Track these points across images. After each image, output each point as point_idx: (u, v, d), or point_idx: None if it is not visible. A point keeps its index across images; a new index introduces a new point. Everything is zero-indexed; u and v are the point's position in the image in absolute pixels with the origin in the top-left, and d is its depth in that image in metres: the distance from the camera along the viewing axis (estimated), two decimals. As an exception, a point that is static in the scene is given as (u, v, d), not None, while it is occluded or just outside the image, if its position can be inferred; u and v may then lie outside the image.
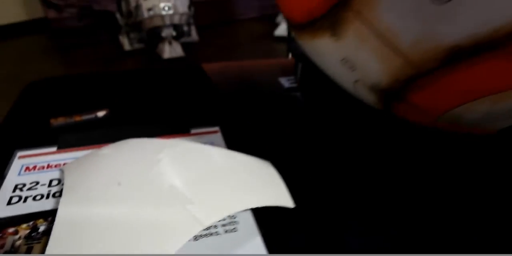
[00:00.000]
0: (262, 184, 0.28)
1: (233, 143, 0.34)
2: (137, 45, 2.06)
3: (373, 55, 0.19)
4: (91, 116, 0.39)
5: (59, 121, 0.38)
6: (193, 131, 0.36)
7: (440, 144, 0.30)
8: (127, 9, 1.95)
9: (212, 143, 0.34)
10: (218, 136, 0.35)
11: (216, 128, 0.36)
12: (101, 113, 0.39)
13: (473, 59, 0.16)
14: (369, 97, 0.24)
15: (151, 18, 1.83)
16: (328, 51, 0.22)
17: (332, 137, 0.34)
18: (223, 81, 0.47)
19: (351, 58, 0.21)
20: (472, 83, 0.17)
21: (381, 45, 0.18)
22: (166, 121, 0.38)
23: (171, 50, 1.91)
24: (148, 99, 0.42)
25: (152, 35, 1.89)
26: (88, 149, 0.33)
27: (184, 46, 2.07)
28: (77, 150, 0.33)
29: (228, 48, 2.08)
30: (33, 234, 0.24)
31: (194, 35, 2.11)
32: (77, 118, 0.38)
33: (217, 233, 0.25)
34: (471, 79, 0.17)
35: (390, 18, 0.17)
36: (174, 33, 1.90)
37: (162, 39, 1.91)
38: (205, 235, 0.24)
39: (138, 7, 1.84)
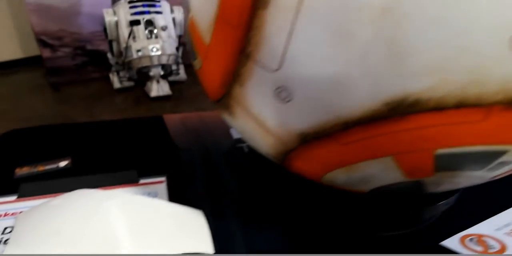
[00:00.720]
0: (188, 232, 0.32)
1: (176, 193, 0.38)
2: (126, 83, 2.14)
3: (255, 133, 0.24)
4: (53, 166, 0.43)
5: (24, 170, 0.42)
6: (141, 181, 0.40)
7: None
8: (117, 49, 2.05)
9: (155, 193, 0.38)
10: (163, 186, 0.40)
11: (163, 178, 0.41)
12: (63, 163, 0.44)
13: (316, 142, 0.21)
14: (271, 159, 0.29)
15: (140, 58, 1.92)
16: (231, 124, 0.27)
17: (269, 187, 0.39)
18: (180, 132, 0.52)
19: (244, 132, 0.26)
20: (322, 159, 0.22)
21: (257, 126, 0.23)
22: (118, 172, 0.42)
23: (158, 89, 1.99)
24: (108, 149, 0.47)
25: (140, 74, 1.98)
26: (46, 198, 0.37)
27: (172, 84, 2.14)
28: (35, 199, 0.37)
29: (215, 86, 2.16)
30: (-21, 278, 0.27)
31: (183, 74, 2.20)
32: (40, 168, 0.43)
33: (143, 275, 0.29)
34: (320, 156, 0.22)
35: (258, 108, 0.22)
36: (162, 72, 1.99)
37: (150, 78, 2.00)
38: (132, 277, 0.28)
39: (128, 47, 1.94)
